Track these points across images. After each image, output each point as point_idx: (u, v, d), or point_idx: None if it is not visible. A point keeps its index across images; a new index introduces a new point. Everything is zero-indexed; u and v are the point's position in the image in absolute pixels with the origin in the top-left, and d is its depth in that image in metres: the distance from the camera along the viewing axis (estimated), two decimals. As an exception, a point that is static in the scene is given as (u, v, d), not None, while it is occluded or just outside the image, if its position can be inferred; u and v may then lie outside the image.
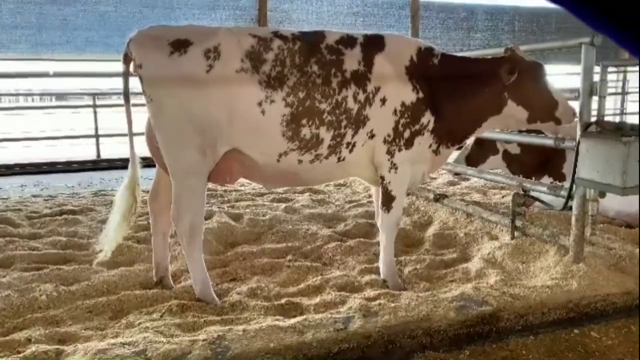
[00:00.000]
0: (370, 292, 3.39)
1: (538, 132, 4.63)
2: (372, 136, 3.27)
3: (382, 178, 3.40)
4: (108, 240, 3.36)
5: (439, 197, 5.29)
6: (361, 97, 3.17)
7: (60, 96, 19.14)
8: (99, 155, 10.82)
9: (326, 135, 3.14)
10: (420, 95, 3.26)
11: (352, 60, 3.19)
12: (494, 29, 14.80)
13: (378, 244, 4.41)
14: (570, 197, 3.61)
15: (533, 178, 5.12)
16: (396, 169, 3.35)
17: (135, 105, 3.63)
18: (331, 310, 3.13)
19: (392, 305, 3.09)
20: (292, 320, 2.91)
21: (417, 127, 3.29)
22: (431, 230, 4.78)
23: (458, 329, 3.05)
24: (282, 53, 3.08)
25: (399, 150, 3.31)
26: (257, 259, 4.08)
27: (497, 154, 5.61)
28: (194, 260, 3.29)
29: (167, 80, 2.96)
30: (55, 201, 6.13)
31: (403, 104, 3.24)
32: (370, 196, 6.17)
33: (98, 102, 10.99)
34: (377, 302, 3.17)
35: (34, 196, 6.59)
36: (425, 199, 5.58)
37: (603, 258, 3.77)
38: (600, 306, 3.39)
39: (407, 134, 3.29)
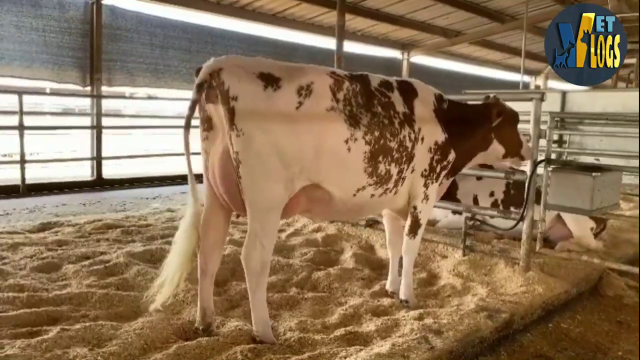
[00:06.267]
0: (407, 314, 3.69)
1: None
2: (413, 170, 3.63)
3: (415, 208, 3.77)
4: (165, 287, 2.98)
5: (372, 223, 5.80)
6: (412, 136, 3.52)
7: None
8: None
9: (394, 170, 3.40)
10: (446, 135, 3.77)
11: (399, 103, 3.53)
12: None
13: (355, 269, 4.73)
14: (522, 219, 4.51)
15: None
16: (427, 199, 3.77)
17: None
18: (396, 334, 3.35)
19: (444, 322, 3.48)
20: (384, 348, 3.06)
21: (445, 162, 3.78)
22: (383, 254, 5.24)
23: (494, 334, 3.60)
24: (349, 93, 3.25)
25: (432, 182, 3.74)
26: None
27: None
28: (258, 299, 3.16)
29: (262, 114, 2.87)
30: None
31: (436, 143, 3.70)
32: (290, 225, 6.36)
33: None
34: (427, 321, 3.51)
35: None
36: (352, 226, 6.02)
37: (536, 266, 4.78)
38: (556, 303, 4.32)
39: (438, 168, 3.74)
